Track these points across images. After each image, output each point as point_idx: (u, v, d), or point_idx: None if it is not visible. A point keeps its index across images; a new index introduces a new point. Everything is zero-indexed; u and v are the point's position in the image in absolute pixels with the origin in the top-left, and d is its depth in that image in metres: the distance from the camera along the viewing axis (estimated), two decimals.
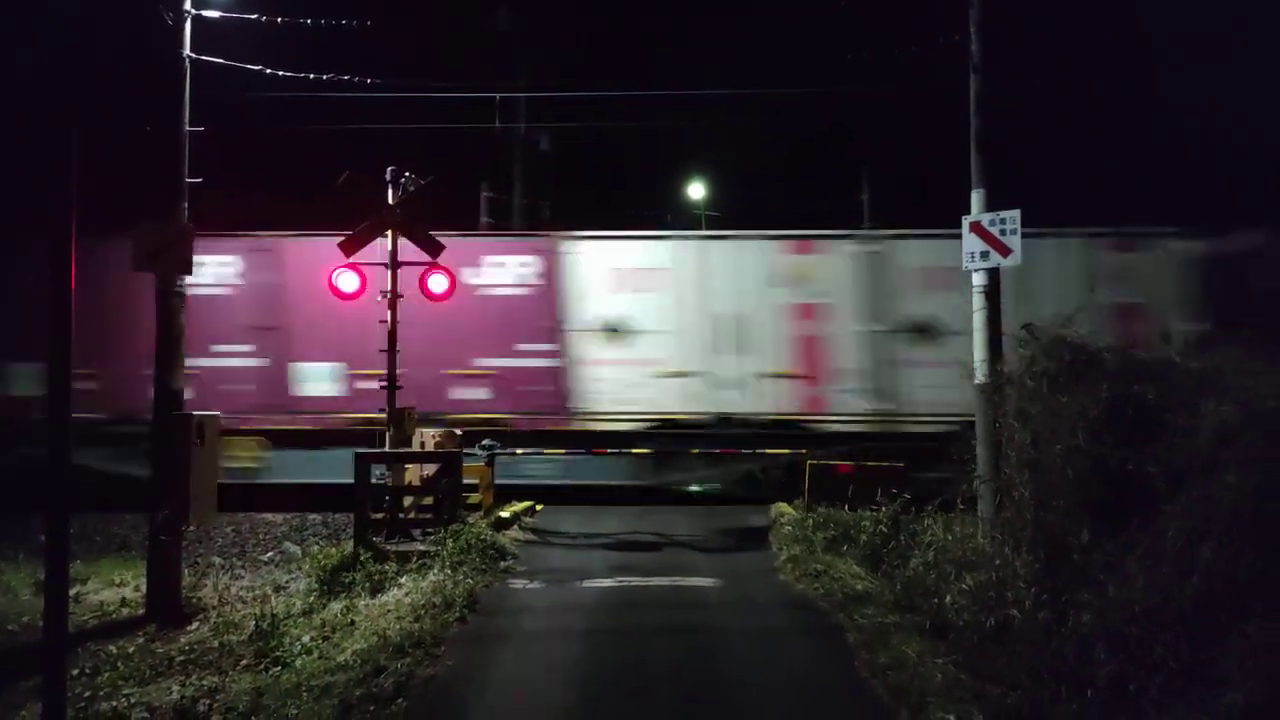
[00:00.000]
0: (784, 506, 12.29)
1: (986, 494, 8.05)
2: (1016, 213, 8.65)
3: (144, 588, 8.15)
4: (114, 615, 8.03)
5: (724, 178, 28.19)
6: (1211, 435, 5.33)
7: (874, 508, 9.72)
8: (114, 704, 5.64)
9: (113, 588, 8.89)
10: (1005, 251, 8.70)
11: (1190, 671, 4.58)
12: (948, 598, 6.57)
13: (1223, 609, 4.70)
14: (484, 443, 12.75)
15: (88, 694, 5.85)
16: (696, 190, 26.40)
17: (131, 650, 6.83)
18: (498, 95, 14.95)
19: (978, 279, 8.98)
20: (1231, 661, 4.43)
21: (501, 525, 11.11)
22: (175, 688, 5.91)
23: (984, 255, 8.82)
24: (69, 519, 4.40)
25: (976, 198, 9.05)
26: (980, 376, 8.66)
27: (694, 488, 14.10)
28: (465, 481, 11.16)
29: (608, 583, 8.71)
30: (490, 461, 12.53)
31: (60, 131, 3.84)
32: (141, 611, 7.96)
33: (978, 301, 8.98)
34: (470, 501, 11.71)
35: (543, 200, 23.01)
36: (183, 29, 8.52)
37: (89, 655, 6.69)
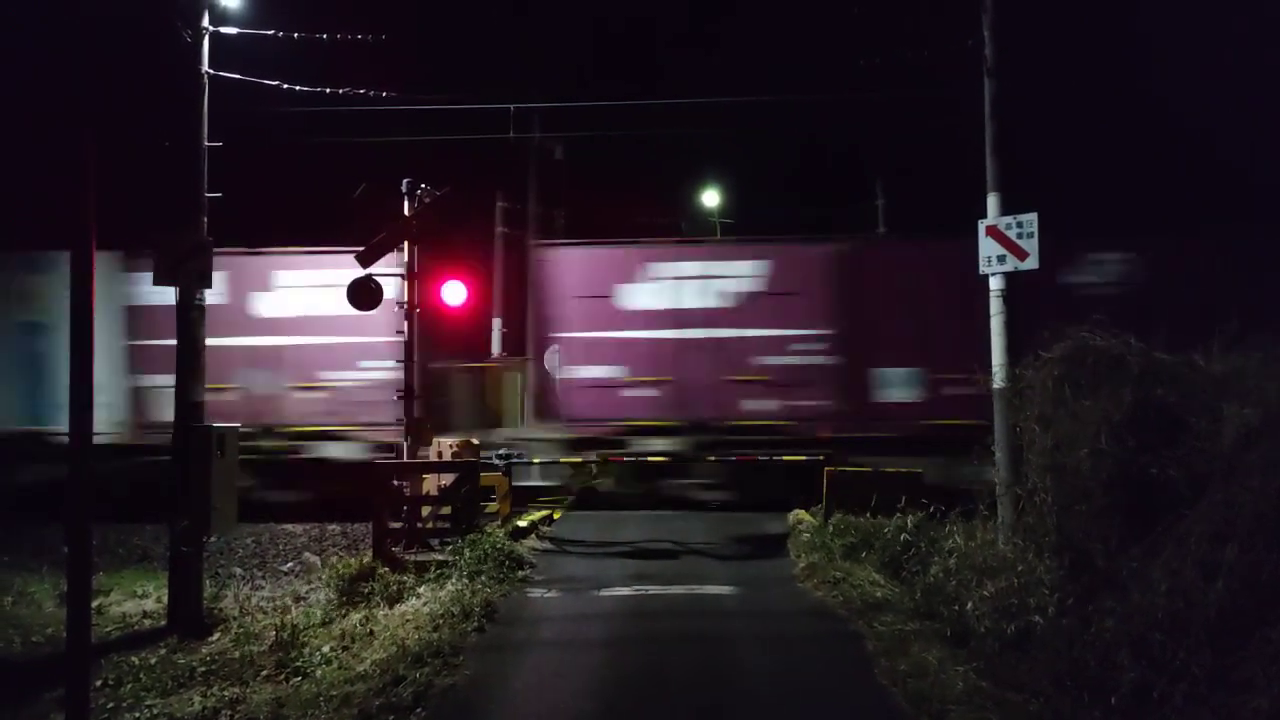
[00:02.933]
0: (802, 513, 12.23)
1: (1007, 500, 7.98)
2: (1033, 215, 8.60)
3: (166, 599, 8.21)
4: (136, 626, 8.09)
5: (738, 184, 28.22)
6: (1234, 438, 5.28)
7: (893, 514, 9.68)
8: (136, 715, 5.69)
9: (135, 599, 8.96)
10: (1022, 255, 8.64)
11: (1214, 677, 4.53)
12: (969, 604, 6.53)
13: (1246, 614, 4.64)
14: (500, 451, 12.80)
15: (110, 705, 5.90)
16: (710, 198, 26.40)
17: (154, 661, 6.88)
18: (512, 106, 15.01)
19: (995, 283, 8.93)
20: (1255, 666, 4.38)
21: (519, 534, 11.13)
22: (197, 698, 5.95)
23: (1000, 259, 8.77)
24: (91, 531, 4.45)
25: (993, 201, 9.01)
26: (999, 381, 8.60)
27: None
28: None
29: (625, 591, 8.70)
30: (507, 470, 12.56)
31: (78, 130, 3.85)
32: (164, 623, 8.02)
33: (995, 306, 8.92)
34: (488, 510, 11.74)
35: (558, 209, 23.13)
36: (201, 46, 8.64)
37: (112, 666, 6.74)
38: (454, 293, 10.69)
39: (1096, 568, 5.73)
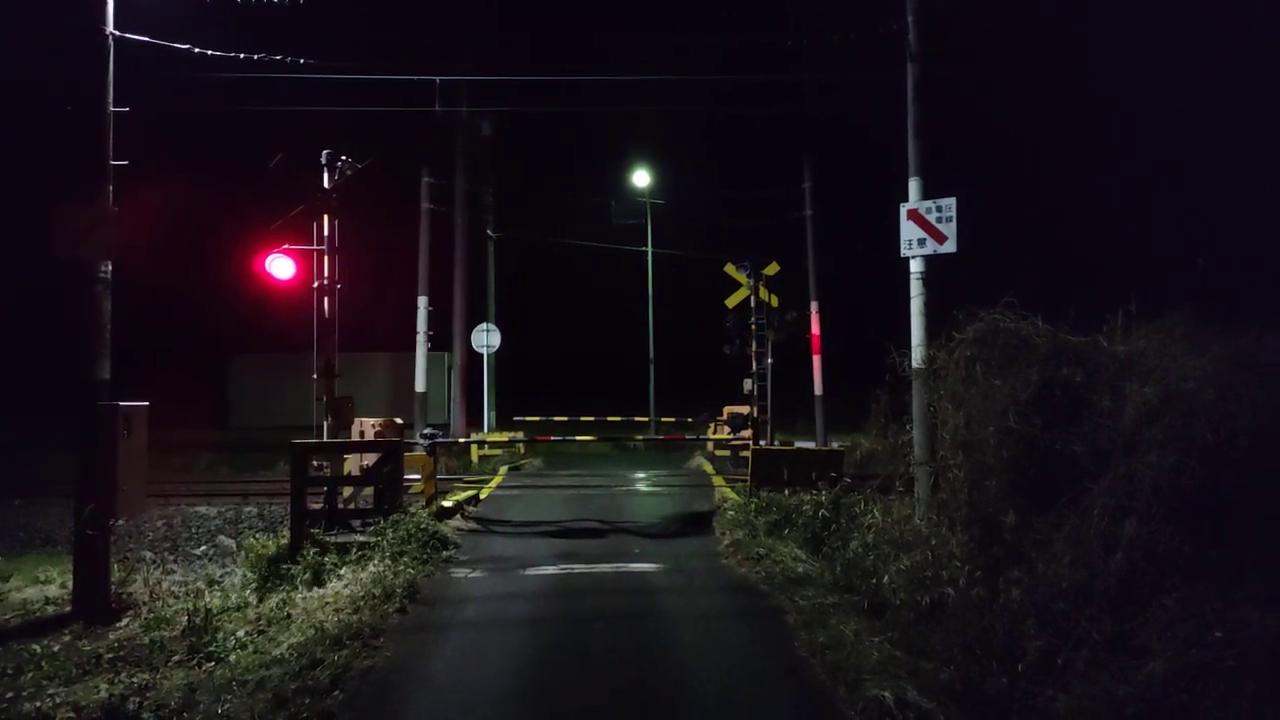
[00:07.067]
0: (728, 491, 12.39)
1: (923, 476, 8.21)
2: (952, 200, 8.81)
3: (70, 584, 7.88)
4: (38, 613, 7.76)
5: (668, 165, 28.21)
6: (1135, 415, 5.51)
7: (815, 491, 9.88)
8: (38, 704, 5.45)
9: (37, 585, 8.58)
10: (941, 239, 8.86)
11: (1113, 643, 4.75)
12: (885, 578, 6.71)
13: (1144, 583, 4.87)
14: (425, 431, 12.62)
15: (10, 694, 5.65)
16: (641, 178, 26.30)
17: (57, 649, 6.61)
18: (438, 78, 14.66)
19: (915, 266, 9.13)
20: (1151, 632, 4.60)
21: (444, 514, 11.00)
22: (103, 686, 5.73)
23: (921, 243, 8.97)
24: None
25: (914, 185, 9.20)
26: (917, 361, 8.82)
27: None
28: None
29: (551, 570, 8.68)
30: (432, 450, 12.40)
31: None
32: (68, 609, 7.70)
33: (915, 288, 9.13)
34: (412, 491, 11.57)
35: (485, 186, 22.77)
36: (105, 4, 8.21)
37: (11, 655, 6.45)
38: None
39: (1005, 540, 5.93)
